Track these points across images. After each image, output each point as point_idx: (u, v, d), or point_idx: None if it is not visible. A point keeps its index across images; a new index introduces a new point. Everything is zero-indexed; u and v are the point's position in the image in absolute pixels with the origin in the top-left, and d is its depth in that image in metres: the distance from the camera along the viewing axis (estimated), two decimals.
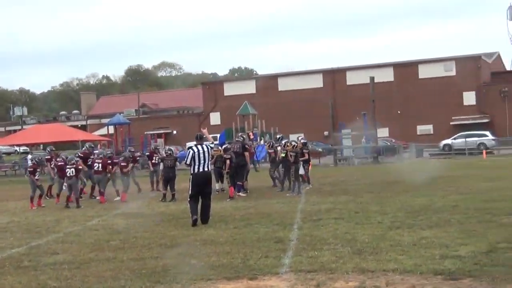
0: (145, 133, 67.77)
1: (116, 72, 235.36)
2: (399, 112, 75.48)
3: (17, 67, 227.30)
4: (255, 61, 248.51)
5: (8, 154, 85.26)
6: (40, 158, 25.85)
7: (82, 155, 27.32)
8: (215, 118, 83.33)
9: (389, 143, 58.26)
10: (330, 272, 10.29)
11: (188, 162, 17.35)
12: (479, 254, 10.94)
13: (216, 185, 25.09)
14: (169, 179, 24.54)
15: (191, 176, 17.21)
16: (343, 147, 51.54)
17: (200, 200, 17.14)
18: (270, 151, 28.27)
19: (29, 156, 28.42)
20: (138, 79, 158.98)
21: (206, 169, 17.20)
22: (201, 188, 17.08)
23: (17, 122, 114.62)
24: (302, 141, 26.51)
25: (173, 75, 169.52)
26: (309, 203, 20.68)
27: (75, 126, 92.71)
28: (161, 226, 17.04)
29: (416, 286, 9.12)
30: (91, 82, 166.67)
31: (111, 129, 67.04)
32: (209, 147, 17.67)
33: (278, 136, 30.61)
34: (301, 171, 24.75)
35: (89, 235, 16.26)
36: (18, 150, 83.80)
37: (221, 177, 25.27)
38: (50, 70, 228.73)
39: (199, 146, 17.39)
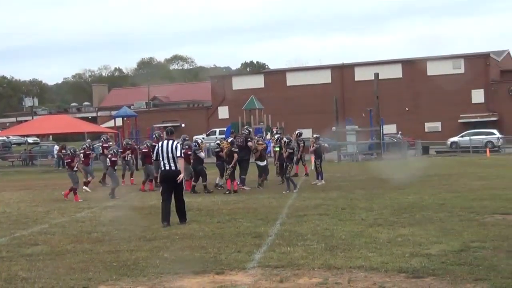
0: (153, 125, 67.71)
1: (128, 65, 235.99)
2: (407, 109, 75.30)
3: (30, 58, 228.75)
4: (267, 56, 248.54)
5: (19, 144, 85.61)
6: (74, 149, 25.68)
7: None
8: (223, 112, 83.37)
9: (395, 140, 58.14)
10: (297, 268, 10.31)
11: (154, 158, 17.18)
12: (449, 252, 10.93)
13: (217, 179, 25.09)
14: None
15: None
16: (347, 143, 51.49)
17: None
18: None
19: (56, 147, 28.55)
20: (150, 72, 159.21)
21: (172, 167, 16.03)
22: (168, 186, 16.08)
23: (29, 112, 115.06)
24: (315, 136, 27.17)
25: (185, 68, 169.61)
26: (300, 199, 20.70)
27: (86, 118, 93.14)
28: (147, 219, 17.09)
29: (377, 283, 9.12)
30: (103, 74, 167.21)
31: (120, 122, 67.26)
32: (175, 145, 16.26)
33: (297, 132, 30.39)
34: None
35: (74, 226, 16.34)
36: (28, 140, 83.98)
37: (223, 171, 24.96)
38: (62, 62, 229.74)
39: (164, 142, 16.44)
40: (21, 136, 78.76)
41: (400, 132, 64.04)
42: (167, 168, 16.10)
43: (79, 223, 16.93)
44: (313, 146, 27.11)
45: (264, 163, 25.70)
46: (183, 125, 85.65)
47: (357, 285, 9.13)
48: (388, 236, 12.86)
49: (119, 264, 11.13)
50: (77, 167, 24.21)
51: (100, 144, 32.33)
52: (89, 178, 27.07)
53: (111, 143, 31.98)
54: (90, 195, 25.03)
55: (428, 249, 11.36)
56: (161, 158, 16.22)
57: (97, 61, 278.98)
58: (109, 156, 24.68)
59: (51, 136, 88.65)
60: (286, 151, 24.10)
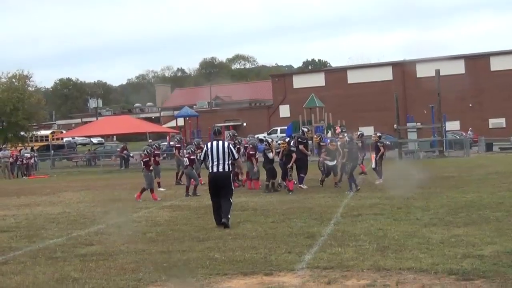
0: (214, 125, 68.15)
1: (191, 65, 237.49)
2: (470, 105, 74.24)
3: (94, 60, 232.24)
4: (329, 54, 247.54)
5: (84, 145, 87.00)
6: (151, 148, 26.00)
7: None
8: (284, 111, 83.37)
9: (457, 137, 57.36)
10: (346, 269, 10.23)
11: (201, 158, 16.97)
12: (502, 254, 10.71)
13: (280, 180, 25.01)
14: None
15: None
16: (408, 141, 51.01)
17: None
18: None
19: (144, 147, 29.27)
20: (213, 71, 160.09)
21: (220, 169, 15.69)
22: (216, 189, 15.78)
23: (93, 114, 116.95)
24: (377, 134, 27.15)
25: (247, 67, 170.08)
26: (356, 198, 20.56)
27: (149, 118, 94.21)
28: (202, 219, 17.16)
29: (426, 285, 9.00)
30: (166, 75, 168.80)
31: (181, 121, 67.88)
32: (227, 145, 16.00)
33: (359, 133, 30.20)
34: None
35: (129, 227, 16.52)
36: (93, 141, 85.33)
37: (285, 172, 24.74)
38: (126, 63, 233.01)
39: (214, 143, 16.02)
40: (85, 136, 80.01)
41: (470, 129, 62.99)
42: (215, 170, 15.78)
43: (135, 223, 17.13)
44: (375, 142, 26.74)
45: (334, 162, 25.17)
46: (244, 124, 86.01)
47: (405, 287, 9.03)
48: (442, 237, 12.67)
49: (170, 264, 11.22)
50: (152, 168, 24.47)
51: (173, 143, 33.41)
52: (158, 180, 27.29)
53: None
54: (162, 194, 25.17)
55: (481, 250, 11.15)
56: (209, 160, 15.86)
57: (160, 61, 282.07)
58: (187, 155, 24.96)
59: (115, 137, 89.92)
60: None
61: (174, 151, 32.61)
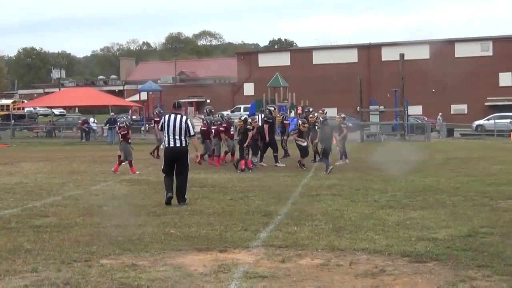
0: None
1: (157, 39, 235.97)
2: (433, 90, 74.75)
3: (59, 31, 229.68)
4: (296, 34, 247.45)
5: (45, 115, 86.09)
6: (129, 121, 25.73)
7: None
8: (248, 89, 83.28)
9: (419, 121, 57.78)
10: (301, 248, 10.24)
11: (159, 128, 16.19)
12: (456, 237, 10.79)
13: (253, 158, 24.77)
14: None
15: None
16: (370, 123, 51.29)
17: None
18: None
19: (121, 119, 28.54)
20: (178, 46, 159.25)
21: (177, 144, 15.15)
22: (171, 165, 15.28)
23: (56, 84, 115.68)
24: (341, 115, 27.00)
25: (213, 44, 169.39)
26: (315, 178, 20.62)
27: (112, 91, 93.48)
28: (160, 194, 16.88)
29: (379, 266, 9.02)
30: (132, 48, 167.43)
31: (145, 96, 67.44)
32: (185, 120, 15.38)
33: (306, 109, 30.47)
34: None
35: (86, 199, 16.37)
36: (55, 112, 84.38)
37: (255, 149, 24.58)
38: (91, 35, 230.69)
39: (172, 116, 15.39)
40: (47, 107, 79.14)
41: (440, 114, 63.25)
42: (171, 144, 15.21)
43: (92, 196, 16.98)
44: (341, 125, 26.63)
45: (305, 143, 24.92)
46: (208, 100, 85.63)
47: (358, 267, 9.04)
48: (398, 219, 12.75)
49: (124, 238, 11.13)
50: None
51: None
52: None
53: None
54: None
55: (436, 233, 11.23)
56: (165, 133, 15.32)
57: (126, 34, 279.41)
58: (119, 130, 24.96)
59: (77, 109, 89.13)
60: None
61: (154, 125, 31.37)
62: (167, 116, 15.60)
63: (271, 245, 10.46)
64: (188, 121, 15.51)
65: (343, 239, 10.87)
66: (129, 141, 23.93)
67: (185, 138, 15.24)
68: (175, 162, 15.27)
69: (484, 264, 8.97)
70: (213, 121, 26.66)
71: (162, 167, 15.58)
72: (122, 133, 24.18)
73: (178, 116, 15.36)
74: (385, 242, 10.50)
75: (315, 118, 26.63)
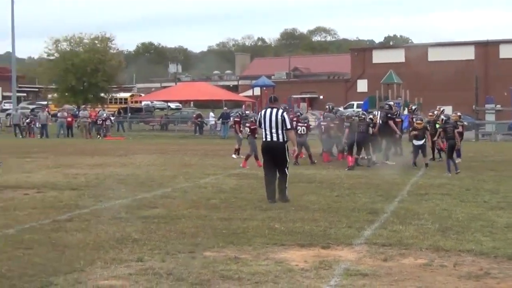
0: (290, 96, 67.93)
1: (272, 35, 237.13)
2: None
3: (177, 26, 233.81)
4: (412, 30, 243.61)
5: (162, 109, 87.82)
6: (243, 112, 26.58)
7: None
8: (362, 85, 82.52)
9: None
10: (405, 247, 10.11)
11: (257, 125, 15.91)
12: None
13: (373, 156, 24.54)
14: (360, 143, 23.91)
15: None
16: (486, 122, 50.04)
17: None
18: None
19: (211, 114, 29.16)
20: (293, 42, 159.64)
21: (274, 138, 14.71)
22: (269, 160, 14.89)
23: (173, 79, 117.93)
24: (457, 113, 26.16)
25: (328, 40, 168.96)
26: (425, 177, 20.30)
27: (227, 86, 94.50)
28: None
29: (484, 269, 8.81)
30: (247, 44, 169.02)
31: (258, 91, 67.87)
32: (281, 113, 14.84)
33: (413, 107, 29.92)
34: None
35: (195, 192, 16.67)
36: (171, 106, 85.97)
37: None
38: (208, 30, 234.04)
39: (268, 110, 15.04)
40: (163, 101, 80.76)
41: None
42: (268, 139, 14.83)
43: (201, 189, 17.26)
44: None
45: (421, 142, 23.60)
46: (321, 97, 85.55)
47: (462, 269, 8.86)
48: (507, 221, 12.40)
49: (229, 231, 11.28)
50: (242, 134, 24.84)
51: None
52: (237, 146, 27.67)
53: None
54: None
55: None
56: (262, 128, 14.95)
57: (241, 30, 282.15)
58: (248, 124, 25.40)
59: (192, 103, 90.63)
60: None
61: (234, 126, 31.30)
62: (263, 111, 15.32)
63: (374, 243, 10.38)
64: (285, 114, 15.05)
65: (448, 239, 10.67)
66: (256, 135, 24.26)
67: (282, 132, 14.73)
68: (273, 157, 14.84)
69: None
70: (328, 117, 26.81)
71: (263, 165, 15.41)
72: (251, 127, 24.75)
73: (274, 110, 14.92)
74: (492, 244, 10.25)
75: (434, 116, 26.15)
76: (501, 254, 9.62)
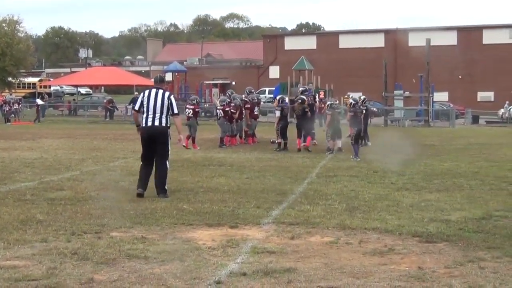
0: (202, 82, 67.75)
1: (184, 21, 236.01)
2: (460, 77, 74.11)
3: (87, 11, 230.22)
4: (323, 17, 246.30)
5: (71, 94, 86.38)
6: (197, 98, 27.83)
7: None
8: (274, 72, 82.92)
9: (445, 107, 57.37)
10: (312, 226, 10.20)
11: (136, 108, 13.59)
12: (469, 220, 10.69)
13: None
14: (285, 128, 24.04)
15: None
16: (395, 108, 51.03)
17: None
18: None
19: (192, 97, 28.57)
20: (206, 29, 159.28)
21: (156, 123, 13.08)
22: (149, 147, 13.24)
23: (83, 64, 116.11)
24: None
25: (241, 27, 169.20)
26: (334, 160, 20.56)
27: (139, 72, 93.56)
28: (178, 171, 16.99)
29: (388, 245, 8.95)
30: (159, 29, 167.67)
31: (170, 76, 67.39)
32: (167, 96, 13.28)
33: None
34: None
35: (104, 175, 16.48)
36: (81, 91, 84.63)
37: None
38: (119, 15, 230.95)
39: (152, 90, 13.31)
40: (73, 86, 79.41)
41: (507, 102, 61.90)
42: (149, 123, 13.14)
43: (110, 172, 17.09)
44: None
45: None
46: (233, 82, 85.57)
47: (367, 246, 8.99)
48: (412, 201, 12.67)
49: (136, 212, 11.17)
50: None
51: None
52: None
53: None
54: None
55: (449, 215, 11.14)
56: (144, 111, 13.20)
57: (153, 16, 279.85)
58: (191, 106, 25.75)
59: (102, 88, 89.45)
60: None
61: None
62: (147, 91, 13.47)
63: (282, 223, 10.44)
64: (172, 97, 13.46)
65: (355, 218, 10.82)
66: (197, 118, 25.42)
67: (166, 117, 13.17)
68: (154, 145, 13.18)
69: (494, 246, 8.88)
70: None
71: (142, 153, 13.65)
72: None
73: (160, 91, 13.30)
74: (397, 222, 10.44)
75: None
76: (406, 231, 9.80)
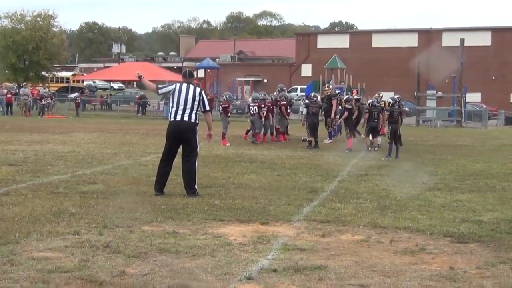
0: (234, 79, 67.89)
1: (217, 18, 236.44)
2: (493, 78, 73.45)
3: (122, 7, 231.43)
4: (357, 16, 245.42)
5: (104, 89, 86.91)
6: (230, 95, 28.14)
7: None
8: (306, 70, 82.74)
9: (477, 108, 56.93)
10: (342, 224, 10.19)
11: (160, 91, 13.29)
12: (502, 221, 10.62)
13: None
14: (314, 126, 24.01)
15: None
16: (427, 108, 50.74)
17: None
18: None
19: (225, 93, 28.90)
20: (239, 26, 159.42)
21: (185, 118, 12.51)
22: (175, 144, 12.83)
23: (116, 59, 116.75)
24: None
25: (274, 24, 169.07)
26: (365, 159, 20.52)
27: (171, 68, 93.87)
28: (209, 167, 17.09)
29: (419, 245, 8.92)
30: (192, 26, 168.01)
31: (202, 73, 67.61)
32: (199, 92, 12.75)
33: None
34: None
35: (136, 169, 16.56)
36: (114, 86, 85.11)
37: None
38: (153, 11, 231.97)
39: (184, 85, 12.75)
40: (106, 81, 79.91)
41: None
42: (178, 118, 12.56)
43: (142, 167, 17.15)
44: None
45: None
46: (265, 80, 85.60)
47: (398, 245, 8.96)
48: (444, 201, 12.60)
49: (168, 207, 11.21)
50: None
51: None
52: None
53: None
54: None
55: (481, 216, 11.08)
56: (173, 105, 12.68)
57: (187, 12, 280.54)
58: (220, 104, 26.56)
59: (135, 83, 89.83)
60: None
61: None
62: (178, 85, 12.86)
63: (313, 220, 10.44)
64: (203, 93, 13.05)
65: (386, 217, 10.79)
66: (229, 114, 25.74)
67: (196, 113, 12.65)
68: (179, 142, 12.78)
69: None
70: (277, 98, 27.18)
71: (164, 147, 13.16)
72: (224, 106, 26.21)
73: (192, 86, 12.78)
74: (428, 222, 10.39)
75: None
76: (437, 231, 9.76)
